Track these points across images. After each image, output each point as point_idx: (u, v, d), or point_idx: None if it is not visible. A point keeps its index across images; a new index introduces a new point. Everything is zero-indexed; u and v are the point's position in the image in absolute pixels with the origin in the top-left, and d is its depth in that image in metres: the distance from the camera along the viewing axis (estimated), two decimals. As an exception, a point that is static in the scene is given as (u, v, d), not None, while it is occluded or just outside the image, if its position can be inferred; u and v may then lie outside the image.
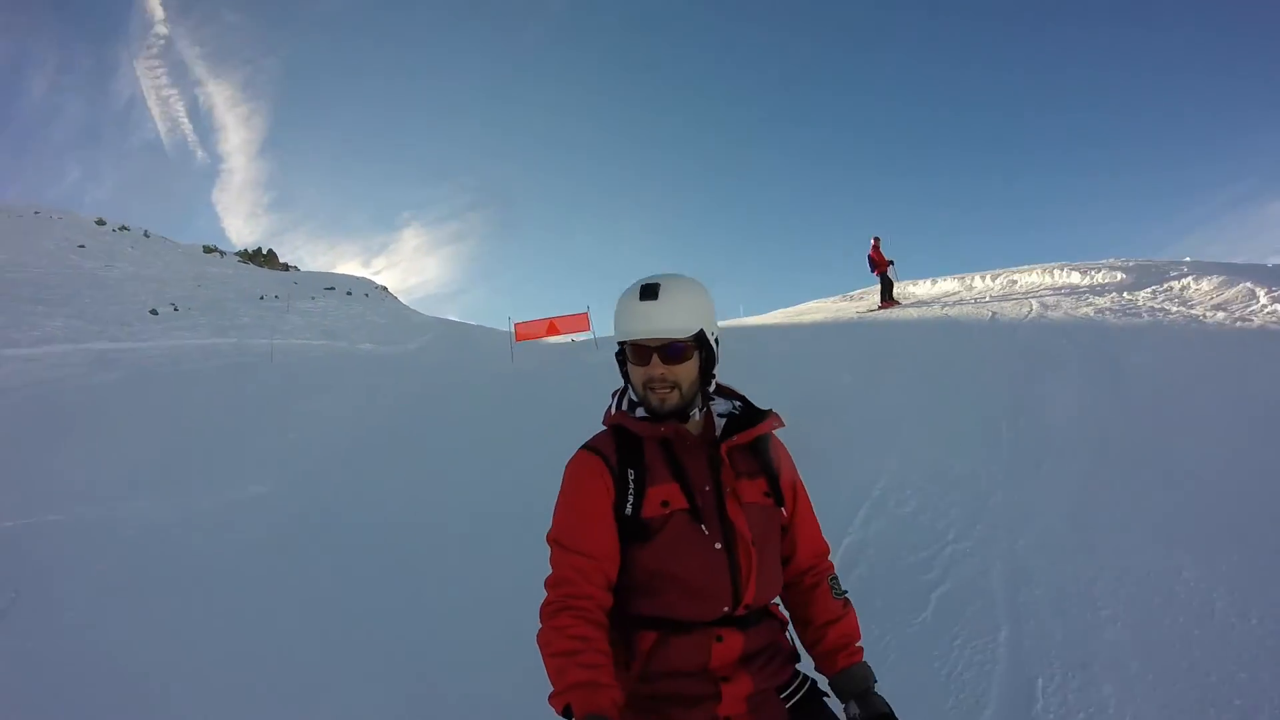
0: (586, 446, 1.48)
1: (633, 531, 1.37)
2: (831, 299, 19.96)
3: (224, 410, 9.56)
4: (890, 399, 7.00)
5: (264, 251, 36.90)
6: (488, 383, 11.38)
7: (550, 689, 1.23)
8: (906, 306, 14.44)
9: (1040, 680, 2.61)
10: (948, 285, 16.67)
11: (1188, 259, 11.72)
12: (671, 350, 1.41)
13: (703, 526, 1.36)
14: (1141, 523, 3.77)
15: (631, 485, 1.38)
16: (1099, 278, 12.22)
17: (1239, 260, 15.81)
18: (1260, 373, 6.22)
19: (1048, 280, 13.69)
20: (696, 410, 1.48)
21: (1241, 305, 8.27)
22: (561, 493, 1.45)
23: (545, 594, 1.36)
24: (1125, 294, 10.34)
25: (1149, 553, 3.40)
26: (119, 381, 11.26)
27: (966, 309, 12.35)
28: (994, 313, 11.17)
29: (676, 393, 1.43)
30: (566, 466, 1.48)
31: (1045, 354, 7.99)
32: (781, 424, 1.49)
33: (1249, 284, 8.69)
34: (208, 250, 33.80)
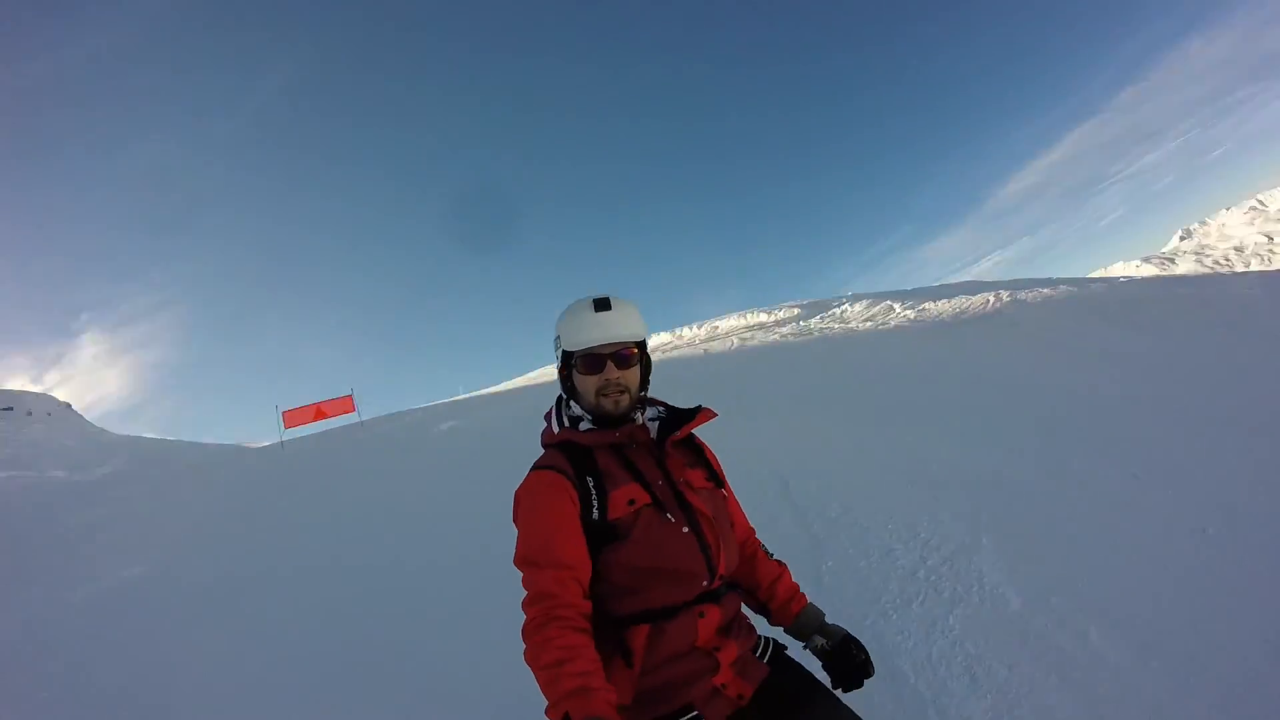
0: (539, 466, 1.50)
1: (604, 535, 1.40)
2: (553, 365, 21.16)
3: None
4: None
5: (-76, 368, 27.68)
6: (272, 470, 10.18)
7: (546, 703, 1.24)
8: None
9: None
10: (661, 338, 19.09)
11: (849, 293, 15.12)
12: (623, 356, 1.51)
13: (668, 515, 1.43)
14: (832, 412, 5.83)
15: (594, 492, 1.42)
16: (781, 314, 15.18)
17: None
18: (890, 350, 9.02)
19: (743, 322, 16.54)
20: (639, 414, 1.57)
21: (883, 316, 11.21)
22: (523, 515, 1.45)
23: (524, 616, 1.34)
24: (801, 323, 13.04)
25: (836, 423, 5.40)
26: None
27: (682, 351, 14.29)
28: (705, 350, 13.13)
29: (627, 396, 1.51)
30: (519, 491, 1.48)
31: (748, 369, 10.18)
32: (715, 415, 1.58)
33: (889, 302, 11.88)
34: None
